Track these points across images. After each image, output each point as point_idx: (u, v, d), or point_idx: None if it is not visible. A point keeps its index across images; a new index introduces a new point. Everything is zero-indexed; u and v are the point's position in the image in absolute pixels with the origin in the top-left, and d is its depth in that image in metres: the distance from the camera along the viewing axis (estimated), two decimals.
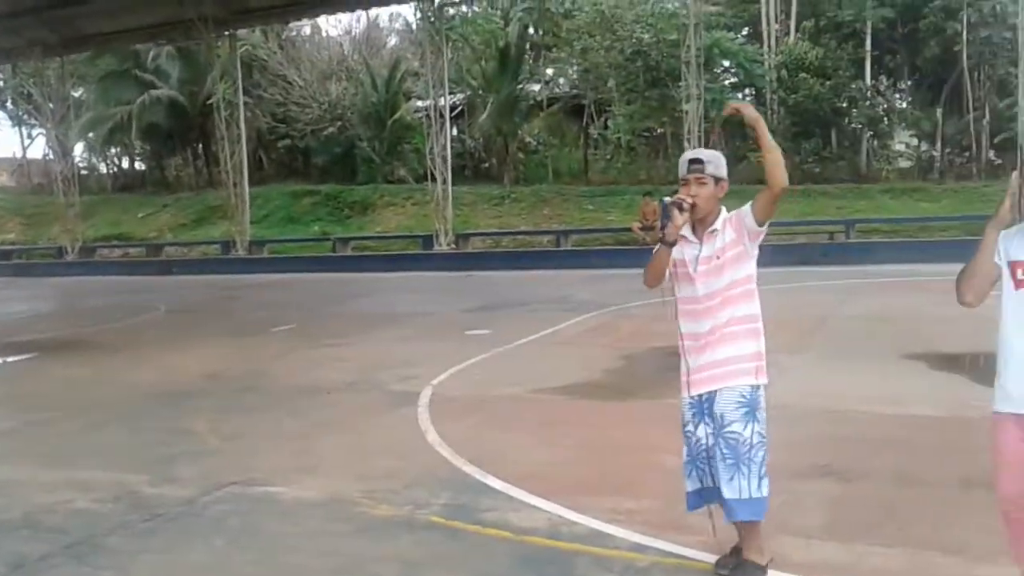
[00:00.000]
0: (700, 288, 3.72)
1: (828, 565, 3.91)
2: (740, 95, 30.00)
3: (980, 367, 7.85)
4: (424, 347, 10.55)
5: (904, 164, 29.16)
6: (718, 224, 3.72)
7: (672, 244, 3.64)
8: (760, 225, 3.67)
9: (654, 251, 3.71)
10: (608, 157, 32.61)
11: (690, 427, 3.81)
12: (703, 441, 3.76)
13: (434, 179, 24.31)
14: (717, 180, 3.69)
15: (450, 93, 27.19)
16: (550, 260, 21.34)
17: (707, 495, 3.85)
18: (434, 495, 5.09)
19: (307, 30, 38.68)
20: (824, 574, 3.81)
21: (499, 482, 5.25)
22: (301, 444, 6.42)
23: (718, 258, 3.70)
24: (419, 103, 30.38)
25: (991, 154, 26.35)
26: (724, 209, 3.77)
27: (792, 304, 13.11)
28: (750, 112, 3.64)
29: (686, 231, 3.72)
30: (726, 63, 29.15)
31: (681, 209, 3.60)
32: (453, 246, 24.06)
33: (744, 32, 31.08)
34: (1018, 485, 3.16)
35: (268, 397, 8.14)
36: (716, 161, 3.72)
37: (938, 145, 27.83)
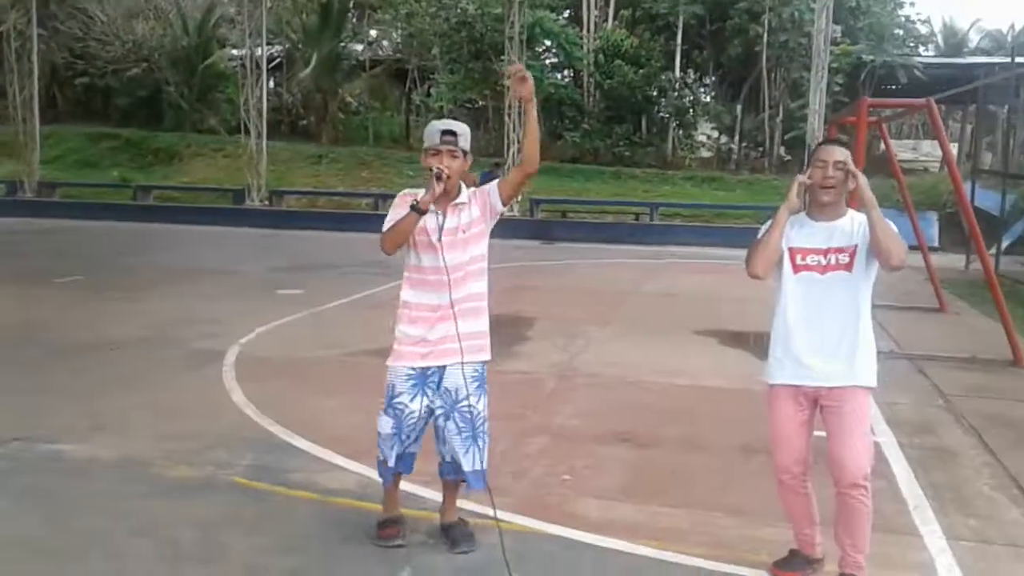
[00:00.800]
0: (444, 259, 3.66)
1: (623, 524, 4.14)
2: (560, 75, 30.72)
3: (764, 345, 8.52)
4: (231, 305, 10.15)
5: (705, 154, 30.94)
6: (463, 198, 3.75)
7: (424, 213, 3.58)
8: (503, 205, 3.79)
9: (400, 217, 3.61)
10: None
11: (403, 399, 3.69)
12: (415, 413, 3.70)
13: (248, 132, 23.25)
14: (465, 154, 3.71)
15: (268, 44, 26.04)
16: (368, 223, 20.73)
17: (405, 466, 3.84)
18: (238, 456, 4.94)
19: None
20: (619, 533, 4.03)
21: (307, 443, 5.18)
22: (90, 402, 6.01)
23: (463, 232, 3.71)
24: (234, 51, 28.89)
25: (782, 150, 28.42)
26: (463, 184, 3.81)
27: (600, 279, 13.70)
28: (528, 87, 3.55)
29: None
30: (548, 43, 29.72)
31: (439, 179, 3.57)
32: (266, 203, 23.17)
33: (566, 14, 31.79)
34: (792, 454, 3.50)
35: (50, 351, 7.54)
36: (466, 134, 3.73)
37: (736, 139, 29.72)
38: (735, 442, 5.44)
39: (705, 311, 10.41)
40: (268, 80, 27.51)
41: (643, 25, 28.55)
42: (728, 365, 7.70)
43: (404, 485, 4.17)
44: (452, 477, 3.87)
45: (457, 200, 3.73)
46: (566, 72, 31.07)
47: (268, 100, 25.58)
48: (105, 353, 7.51)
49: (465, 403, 3.70)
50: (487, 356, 3.79)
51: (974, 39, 37.75)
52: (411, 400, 3.69)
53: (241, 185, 23.36)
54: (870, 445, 3.42)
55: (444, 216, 3.69)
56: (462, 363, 3.66)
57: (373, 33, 34.64)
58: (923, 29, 34.57)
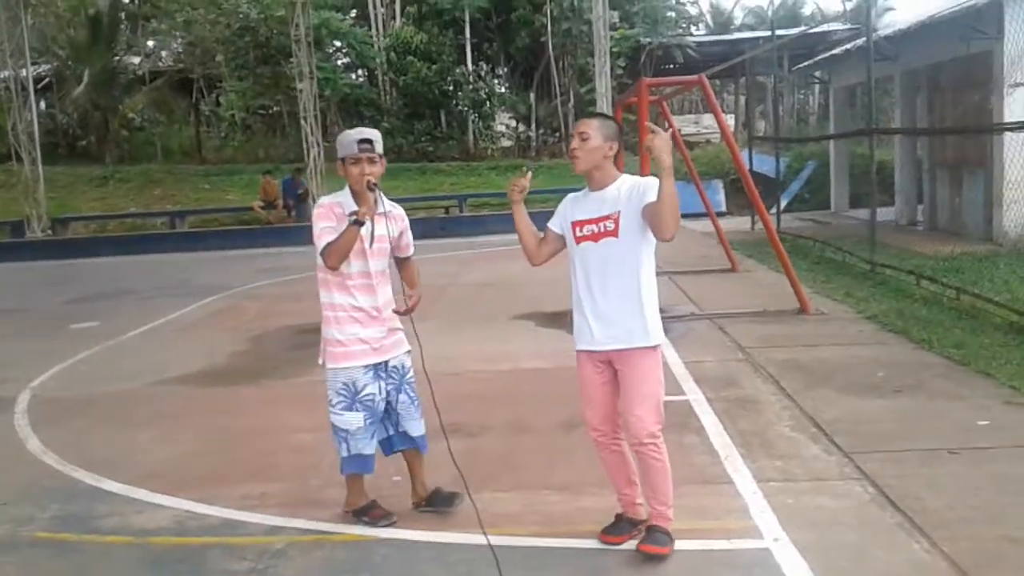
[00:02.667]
0: (373, 264, 3.91)
1: (458, 517, 4.13)
2: (353, 75, 30.34)
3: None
4: (20, 346, 9.35)
5: (506, 143, 31.54)
6: (388, 207, 3.95)
7: (363, 224, 3.75)
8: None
9: (344, 232, 3.74)
10: (223, 135, 31.17)
11: (371, 389, 3.93)
12: (379, 396, 3.96)
13: (20, 159, 21.45)
14: (381, 157, 3.89)
15: (33, 63, 24.09)
16: (165, 243, 19.96)
17: (386, 446, 4.14)
18: (40, 509, 4.55)
19: None
20: (455, 526, 4.04)
21: (117, 485, 4.85)
22: None
23: (391, 244, 3.99)
24: None
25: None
26: (381, 194, 3.97)
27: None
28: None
29: (353, 207, 3.82)
30: (337, 43, 29.27)
31: (371, 189, 3.76)
32: (49, 232, 21.49)
33: (353, 14, 31.41)
34: (598, 413, 3.67)
35: None
36: (380, 139, 3.89)
37: (533, 126, 30.49)
38: (558, 420, 5.59)
39: (521, 296, 10.63)
40: (38, 102, 25.49)
41: (431, 21, 28.66)
42: (546, 345, 7.90)
43: (225, 512, 4.02)
44: (406, 447, 4.17)
45: (380, 209, 3.91)
46: (360, 72, 30.74)
47: (40, 122, 23.76)
48: None
49: (410, 376, 4.10)
50: (407, 347, 4.14)
51: (739, 16, 40.71)
52: (376, 388, 3.95)
53: (19, 216, 21.53)
54: (655, 404, 3.54)
55: (372, 223, 3.84)
56: (394, 358, 4.04)
57: (150, 44, 32.76)
58: (693, 11, 37.00)
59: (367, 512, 4.10)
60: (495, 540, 3.85)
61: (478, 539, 3.87)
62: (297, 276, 12.96)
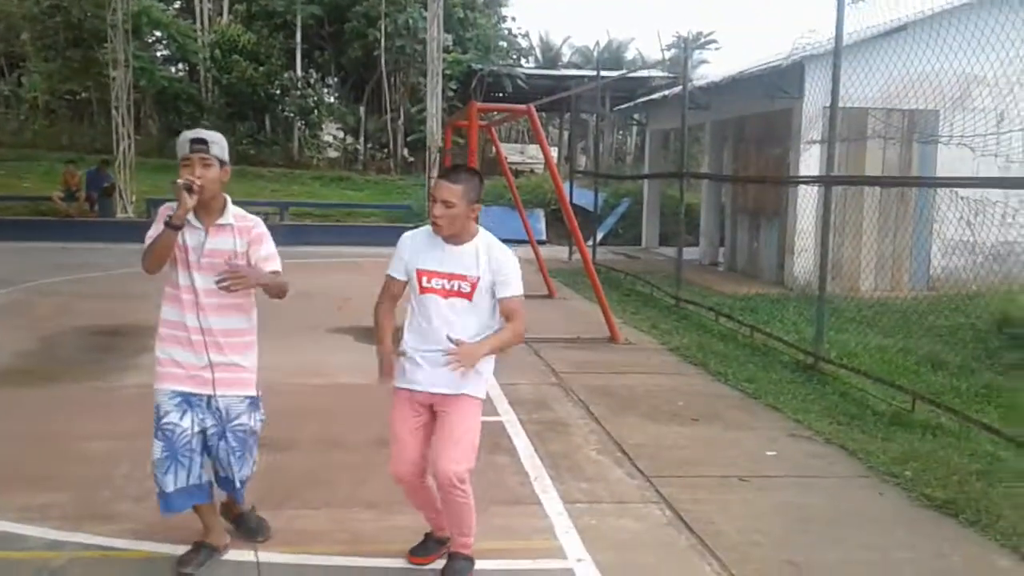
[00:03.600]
0: (201, 280, 3.50)
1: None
2: (173, 68, 28.96)
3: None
4: None
5: (333, 154, 31.10)
6: (230, 219, 3.55)
7: (179, 228, 3.41)
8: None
9: (158, 234, 3.40)
10: (22, 118, 28.79)
11: (173, 417, 3.51)
12: (187, 431, 3.52)
13: None
14: (222, 163, 3.51)
15: None
16: None
17: (196, 493, 3.61)
18: None
19: None
20: (252, 543, 3.87)
21: None
22: None
23: (228, 260, 3.50)
24: None
25: (405, 151, 29.45)
26: (230, 199, 3.62)
27: None
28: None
29: (189, 215, 3.45)
30: (158, 33, 27.86)
31: (191, 191, 3.36)
32: None
33: (177, 5, 30.05)
34: (405, 456, 3.57)
35: None
36: (221, 143, 3.53)
37: (361, 140, 30.22)
38: (371, 436, 5.50)
39: (342, 309, 10.41)
40: None
41: (260, 21, 27.90)
42: (363, 361, 7.67)
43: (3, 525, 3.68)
44: (226, 489, 3.77)
45: (221, 220, 3.49)
46: (181, 65, 29.36)
47: None
48: None
49: (238, 423, 3.63)
50: (246, 392, 3.67)
51: (567, 54, 42.17)
52: (180, 418, 3.52)
53: None
54: (467, 451, 3.46)
55: (206, 235, 3.49)
56: (214, 395, 3.54)
57: None
58: (524, 43, 37.97)
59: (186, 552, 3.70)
60: (294, 559, 3.75)
61: (276, 557, 3.75)
62: (99, 274, 12.07)
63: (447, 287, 3.47)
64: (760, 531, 4.21)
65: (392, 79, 28.83)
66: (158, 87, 26.10)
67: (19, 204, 19.94)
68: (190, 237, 3.51)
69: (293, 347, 8.31)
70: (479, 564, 3.68)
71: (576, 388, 6.96)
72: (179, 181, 3.38)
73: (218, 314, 3.55)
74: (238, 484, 3.70)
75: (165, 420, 3.52)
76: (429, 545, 3.77)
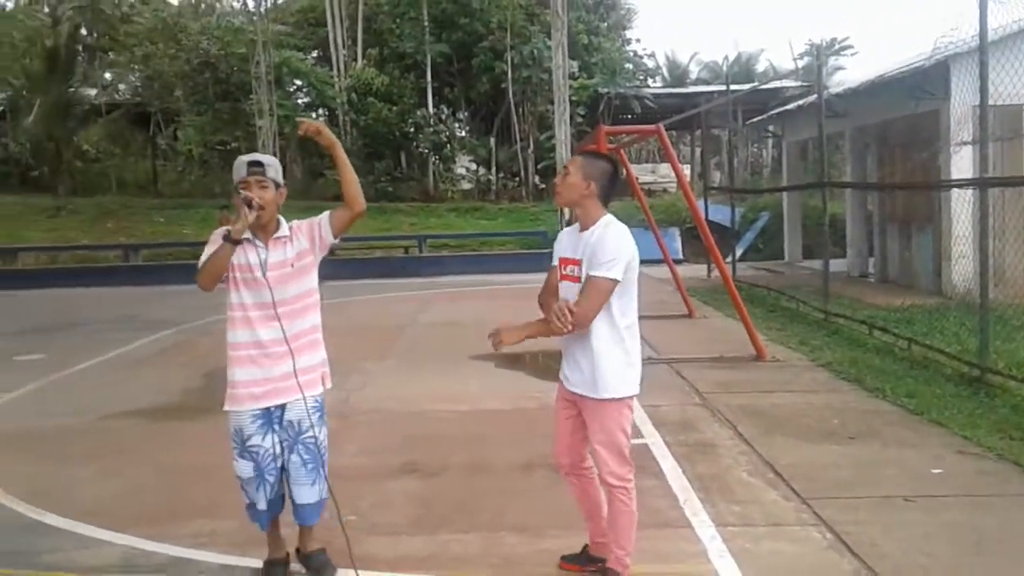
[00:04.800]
0: (273, 294, 3.60)
1: (415, 558, 4.09)
2: (314, 114, 30.39)
3: (539, 364, 8.83)
4: None
5: (466, 186, 31.74)
6: (284, 231, 3.70)
7: (237, 243, 3.52)
8: (335, 238, 3.74)
9: (215, 249, 3.53)
10: (179, 169, 30.91)
11: (256, 439, 3.64)
12: (271, 451, 3.66)
13: None
14: (277, 185, 3.66)
15: None
16: (117, 276, 19.57)
17: (275, 507, 3.79)
18: None
19: None
20: (410, 567, 3.97)
21: (61, 520, 4.69)
22: None
23: (292, 266, 3.65)
24: None
25: (536, 179, 29.73)
26: (283, 220, 3.76)
27: (375, 315, 13.58)
28: (327, 136, 3.59)
29: (248, 233, 3.59)
30: (298, 82, 29.35)
31: (251, 206, 3.49)
32: None
33: (315, 54, 31.57)
34: (560, 445, 3.72)
35: None
36: (276, 166, 3.69)
37: (493, 170, 30.74)
38: (517, 461, 5.55)
39: (480, 337, 10.48)
40: None
41: (392, 64, 28.92)
42: (505, 387, 7.87)
43: (174, 550, 3.90)
44: (295, 516, 3.81)
45: (278, 233, 3.67)
46: (320, 111, 30.79)
47: None
48: None
49: (309, 435, 3.68)
50: (324, 386, 3.77)
51: (694, 70, 41.60)
52: (263, 439, 3.64)
53: None
54: (613, 454, 3.49)
55: (267, 250, 3.62)
56: (303, 397, 3.63)
57: (108, 76, 32.54)
58: (650, 63, 37.75)
59: (263, 568, 3.89)
60: None
61: None
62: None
63: (574, 272, 3.52)
64: (928, 554, 3.96)
65: (520, 109, 29.24)
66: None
67: (179, 249, 21.35)
68: (252, 255, 3.61)
69: (438, 375, 8.52)
70: None
71: (722, 408, 6.79)
72: (239, 195, 3.51)
73: (292, 319, 3.64)
74: (303, 500, 3.73)
75: (250, 443, 3.65)
76: (583, 557, 3.78)
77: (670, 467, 5.35)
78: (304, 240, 3.70)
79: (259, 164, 3.61)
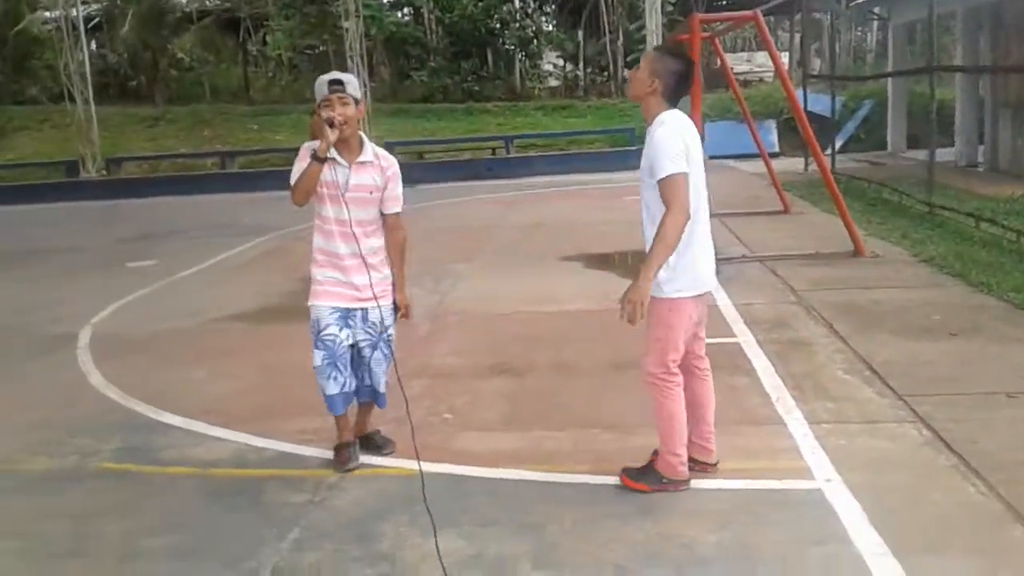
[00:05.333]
0: (351, 213, 3.84)
1: (508, 453, 4.21)
2: (399, 14, 30.04)
3: (628, 264, 8.79)
4: (79, 284, 9.58)
5: (553, 83, 31.13)
6: (369, 156, 3.90)
7: (324, 160, 3.73)
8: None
9: (305, 168, 3.74)
10: (270, 75, 31.25)
11: (332, 330, 3.92)
12: (344, 343, 3.95)
13: (73, 99, 21.76)
14: (357, 101, 3.84)
15: (83, 3, 24.27)
16: (215, 184, 20.15)
17: (348, 396, 4.09)
18: (103, 441, 4.71)
19: None
20: (506, 462, 4.09)
21: (176, 418, 4.99)
22: None
23: (371, 193, 3.91)
24: (47, 14, 26.70)
25: (625, 73, 28.91)
26: (365, 137, 3.95)
27: (463, 217, 13.68)
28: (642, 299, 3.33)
29: (332, 152, 3.78)
30: None
31: (332, 125, 3.70)
32: (103, 172, 21.87)
33: None
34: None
35: None
36: (355, 83, 3.87)
37: (581, 65, 30.01)
38: (604, 361, 5.60)
39: (567, 237, 10.57)
40: (89, 41, 25.72)
41: None
42: (592, 287, 7.87)
43: (282, 446, 4.12)
44: (367, 399, 4.21)
45: (361, 157, 3.88)
46: (406, 10, 30.39)
47: (91, 63, 23.98)
48: None
49: (391, 332, 4.07)
50: (392, 299, 4.08)
51: None
52: (339, 331, 3.93)
53: (73, 156, 21.96)
54: (650, 346, 3.56)
55: (350, 171, 3.84)
56: (379, 306, 3.95)
57: None
58: None
59: (335, 452, 4.16)
60: (545, 477, 3.91)
61: (529, 475, 3.93)
62: None
63: (642, 178, 3.53)
64: None
65: None
66: (387, 33, 27.25)
67: (274, 155, 21.74)
68: (337, 173, 3.83)
69: (526, 276, 8.58)
70: (724, 484, 3.70)
71: (817, 305, 6.64)
72: (321, 115, 3.70)
73: (366, 238, 3.92)
74: (383, 389, 4.12)
75: (325, 332, 3.92)
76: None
77: (763, 365, 5.31)
78: (380, 179, 3.93)
79: (340, 83, 3.79)
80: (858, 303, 6.66)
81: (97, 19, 29.69)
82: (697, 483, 3.72)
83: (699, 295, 3.60)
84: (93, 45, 29.89)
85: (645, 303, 3.28)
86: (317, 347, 3.96)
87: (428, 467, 4.07)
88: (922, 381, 4.84)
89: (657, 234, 3.30)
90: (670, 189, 3.30)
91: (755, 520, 3.40)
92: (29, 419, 5.15)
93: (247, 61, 32.43)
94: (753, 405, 4.66)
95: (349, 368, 4.02)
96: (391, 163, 4.00)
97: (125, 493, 4.07)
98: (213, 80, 31.32)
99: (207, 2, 31.94)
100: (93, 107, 22.09)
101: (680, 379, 3.62)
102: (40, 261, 11.53)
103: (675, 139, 3.36)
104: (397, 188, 4.01)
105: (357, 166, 3.86)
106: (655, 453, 3.76)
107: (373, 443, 4.27)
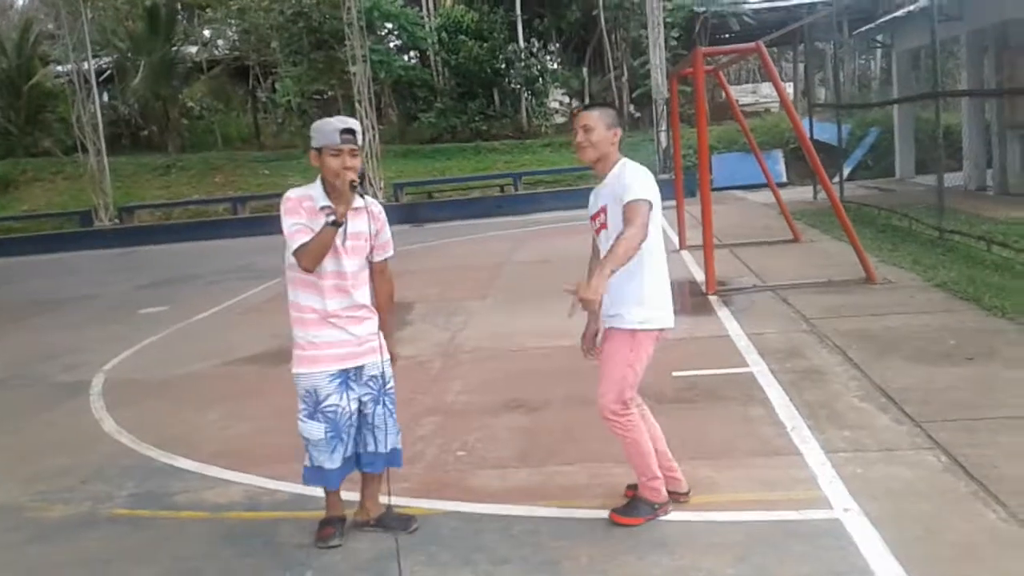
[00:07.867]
0: (348, 263, 3.59)
1: (523, 490, 4.18)
2: (406, 57, 30.43)
3: None
4: (92, 332, 9.64)
5: (560, 120, 31.33)
6: (359, 202, 3.58)
7: (341, 225, 3.46)
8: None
9: (319, 234, 3.46)
10: (280, 121, 31.62)
11: (334, 399, 3.62)
12: (348, 409, 3.65)
13: (85, 150, 22.11)
14: (361, 149, 3.68)
15: (95, 56, 24.74)
16: (227, 229, 20.38)
17: (349, 466, 3.79)
18: (117, 487, 4.71)
19: None
20: (519, 499, 4.06)
21: (189, 462, 4.99)
22: None
23: (365, 241, 3.64)
24: (60, 68, 27.21)
25: (631, 108, 29.11)
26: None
27: (473, 255, 13.73)
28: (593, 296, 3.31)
29: (325, 200, 3.55)
30: (389, 25, 29.36)
31: (353, 189, 3.47)
32: (116, 221, 22.14)
33: None
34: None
35: None
36: (360, 131, 3.63)
37: (586, 101, 30.21)
38: None
39: (577, 272, 10.50)
40: (100, 93, 26.17)
41: None
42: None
43: (295, 488, 4.11)
44: (378, 468, 3.81)
45: (354, 204, 3.56)
46: (412, 53, 30.78)
47: (103, 114, 24.40)
48: None
49: (391, 385, 3.80)
50: (388, 353, 3.80)
51: None
52: (340, 399, 3.62)
53: (87, 206, 22.24)
54: (609, 384, 3.60)
55: (347, 220, 3.52)
56: (381, 359, 3.70)
57: (207, 33, 33.39)
58: None
59: (321, 526, 3.83)
60: (559, 513, 3.87)
61: (543, 511, 3.90)
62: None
63: (602, 221, 3.66)
64: None
65: (612, 36, 28.53)
66: (394, 77, 27.59)
67: None
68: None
69: (536, 311, 8.57)
70: (740, 515, 3.65)
71: (830, 333, 6.60)
72: (349, 181, 3.45)
73: (362, 289, 3.69)
74: (399, 444, 3.84)
75: (327, 403, 3.61)
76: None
77: (776, 395, 5.27)
78: (374, 226, 3.65)
79: (351, 132, 3.53)
80: (871, 330, 6.62)
81: (108, 71, 30.24)
82: (714, 515, 3.69)
83: (661, 330, 3.66)
84: (105, 97, 30.41)
85: (598, 296, 3.27)
86: (316, 419, 3.63)
87: (442, 506, 4.06)
88: (939, 407, 4.78)
89: (617, 241, 3.33)
90: (635, 210, 3.39)
91: (774, 552, 3.35)
92: (43, 467, 5.16)
93: (257, 108, 32.87)
94: (768, 435, 4.62)
95: (352, 436, 3.72)
96: (379, 208, 3.78)
97: (139, 539, 4.06)
98: (224, 127, 31.75)
99: (216, 52, 32.52)
100: (105, 157, 22.42)
101: (635, 409, 3.70)
102: (54, 310, 11.62)
103: (651, 178, 3.54)
104: (387, 233, 3.78)
105: (352, 213, 3.54)
106: (631, 488, 3.83)
107: (392, 524, 3.81)
